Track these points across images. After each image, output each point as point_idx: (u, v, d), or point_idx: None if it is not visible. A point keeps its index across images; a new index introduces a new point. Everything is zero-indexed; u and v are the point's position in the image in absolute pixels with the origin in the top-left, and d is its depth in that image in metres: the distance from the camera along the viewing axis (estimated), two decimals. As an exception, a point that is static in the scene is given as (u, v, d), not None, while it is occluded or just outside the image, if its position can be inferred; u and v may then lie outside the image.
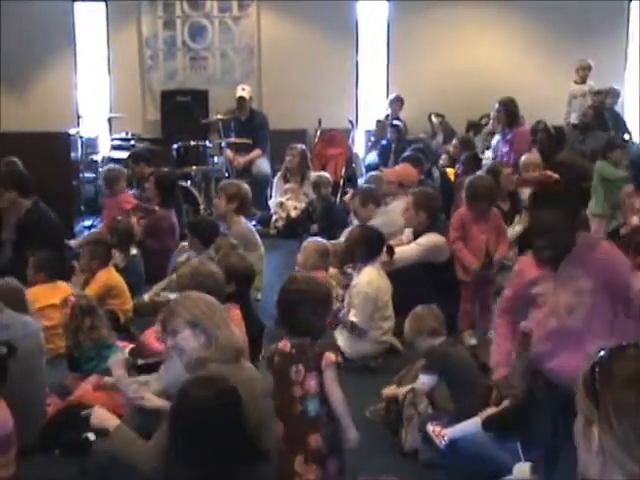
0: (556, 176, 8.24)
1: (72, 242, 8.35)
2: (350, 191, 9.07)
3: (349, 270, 6.68)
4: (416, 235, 6.86)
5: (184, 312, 3.70)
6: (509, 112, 9.27)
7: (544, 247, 3.93)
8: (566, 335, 3.87)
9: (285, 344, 3.78)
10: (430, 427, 4.35)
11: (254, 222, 9.29)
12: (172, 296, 6.18)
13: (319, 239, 6.98)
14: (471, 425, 4.23)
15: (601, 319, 3.85)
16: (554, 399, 3.83)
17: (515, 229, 7.44)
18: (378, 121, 11.97)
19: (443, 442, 4.23)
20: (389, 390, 4.94)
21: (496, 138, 9.71)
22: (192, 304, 3.75)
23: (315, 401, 3.70)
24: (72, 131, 10.32)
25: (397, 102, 11.89)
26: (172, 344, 3.73)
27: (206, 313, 3.70)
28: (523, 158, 8.39)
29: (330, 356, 3.74)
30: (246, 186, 7.70)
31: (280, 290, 4.03)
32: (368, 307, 5.90)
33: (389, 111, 11.95)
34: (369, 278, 5.96)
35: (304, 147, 10.77)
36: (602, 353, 1.92)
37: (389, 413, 4.86)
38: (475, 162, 9.12)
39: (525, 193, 7.93)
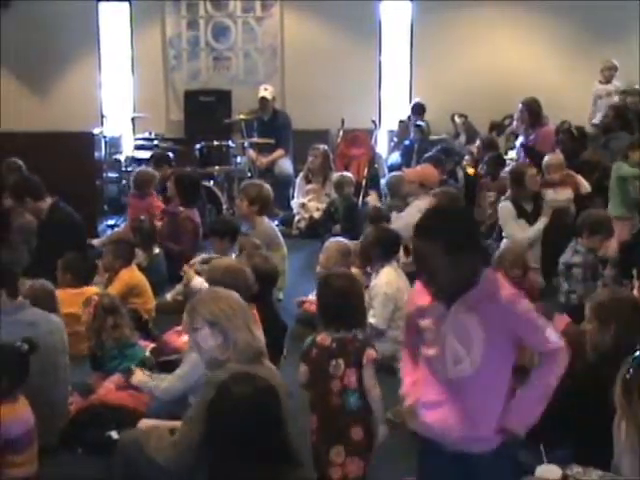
0: (578, 177, 8.19)
1: (95, 241, 8.40)
2: (372, 193, 9.03)
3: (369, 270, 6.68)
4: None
5: (204, 310, 3.70)
6: (532, 112, 9.23)
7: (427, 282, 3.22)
8: (450, 387, 3.19)
9: (324, 338, 3.88)
10: None
11: (276, 222, 9.29)
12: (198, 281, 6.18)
13: (341, 239, 6.97)
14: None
15: (494, 376, 3.16)
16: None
17: (539, 225, 7.41)
18: (400, 121, 11.94)
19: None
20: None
21: (520, 139, 9.66)
22: (214, 303, 3.75)
23: (355, 395, 3.80)
24: (96, 131, 10.36)
25: (419, 109, 11.84)
26: (192, 340, 3.81)
27: (227, 314, 3.70)
28: (546, 159, 8.34)
29: (371, 352, 3.86)
30: (267, 187, 7.69)
31: (321, 284, 4.13)
32: (388, 307, 5.89)
33: (410, 112, 11.94)
34: (387, 279, 5.96)
35: (326, 147, 10.75)
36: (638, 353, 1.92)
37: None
38: (499, 162, 9.09)
39: (549, 194, 7.90)
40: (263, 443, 3.00)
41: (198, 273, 6.03)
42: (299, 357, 4.01)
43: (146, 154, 10.86)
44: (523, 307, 3.12)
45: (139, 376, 4.69)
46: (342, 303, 3.93)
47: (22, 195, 7.20)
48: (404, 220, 7.28)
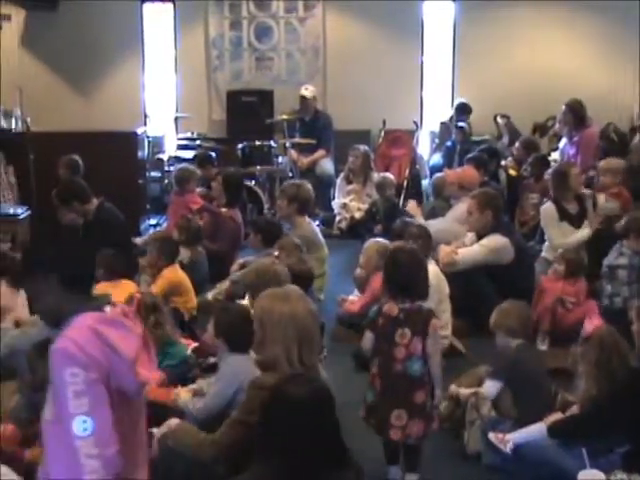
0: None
1: (138, 240, 8.45)
2: (412, 201, 8.97)
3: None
4: (479, 237, 6.81)
5: (257, 307, 3.75)
6: (576, 114, 9.15)
7: None
8: None
9: (391, 308, 4.14)
10: (492, 435, 4.32)
11: (317, 222, 9.30)
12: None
13: (380, 240, 6.95)
14: (536, 430, 4.19)
15: None
16: None
17: (583, 232, 7.33)
18: (442, 123, 11.90)
19: (508, 448, 4.19)
20: (454, 389, 4.88)
21: (563, 141, 9.58)
22: (267, 305, 3.73)
23: (420, 362, 4.07)
24: (139, 130, 10.43)
25: (464, 109, 11.78)
26: None
27: (271, 321, 3.66)
28: (602, 163, 8.15)
29: (436, 322, 4.21)
30: (307, 186, 7.67)
31: (388, 258, 4.39)
32: (433, 298, 5.85)
33: (454, 113, 11.89)
34: (434, 271, 5.91)
35: (367, 148, 10.74)
36: None
37: (452, 415, 4.82)
38: (543, 163, 9.02)
39: (601, 199, 7.76)
40: (320, 444, 2.99)
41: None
42: (365, 325, 4.28)
43: (188, 154, 10.93)
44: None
45: (182, 395, 4.74)
46: (407, 276, 4.20)
47: (68, 199, 7.29)
48: (436, 226, 7.24)
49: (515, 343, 4.68)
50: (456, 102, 12.04)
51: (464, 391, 4.77)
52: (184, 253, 7.39)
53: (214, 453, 3.66)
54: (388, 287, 4.28)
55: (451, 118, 11.78)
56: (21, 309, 5.40)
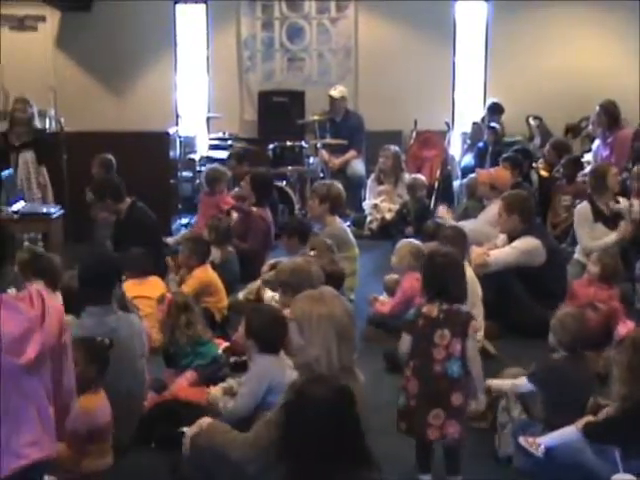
0: None
1: (169, 239, 8.50)
2: (443, 206, 8.94)
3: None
4: (511, 239, 6.78)
5: (296, 308, 3.70)
6: (610, 115, 9.09)
7: None
8: None
9: (431, 309, 4.17)
10: (522, 439, 4.30)
11: (348, 223, 9.30)
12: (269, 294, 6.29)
13: (413, 240, 6.94)
14: (568, 433, 4.16)
15: None
16: None
17: (611, 237, 7.26)
18: (474, 123, 11.85)
19: (539, 451, 4.17)
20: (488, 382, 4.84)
21: (596, 142, 9.52)
22: (308, 306, 3.70)
23: (458, 363, 4.09)
24: (171, 130, 10.49)
25: (496, 109, 11.73)
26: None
27: (310, 323, 3.62)
28: (636, 168, 8.06)
29: (475, 324, 4.28)
30: (338, 186, 7.66)
31: (426, 261, 4.47)
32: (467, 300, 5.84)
33: (486, 113, 11.84)
34: (468, 274, 5.89)
35: (397, 149, 10.73)
36: None
37: (485, 415, 4.79)
38: (576, 165, 8.97)
39: (635, 204, 7.68)
40: (339, 444, 2.99)
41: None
42: (402, 327, 4.28)
43: (220, 154, 10.96)
44: None
45: (213, 392, 4.79)
46: (445, 279, 4.23)
47: (102, 195, 7.36)
48: (468, 227, 7.21)
49: (561, 353, 4.64)
50: (488, 102, 12.00)
51: (497, 382, 4.73)
52: (215, 253, 7.41)
53: (247, 452, 3.66)
54: (426, 289, 4.32)
55: (483, 118, 11.74)
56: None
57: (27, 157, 9.06)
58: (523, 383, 4.58)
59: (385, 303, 6.64)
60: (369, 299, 6.79)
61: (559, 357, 4.62)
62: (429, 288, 4.29)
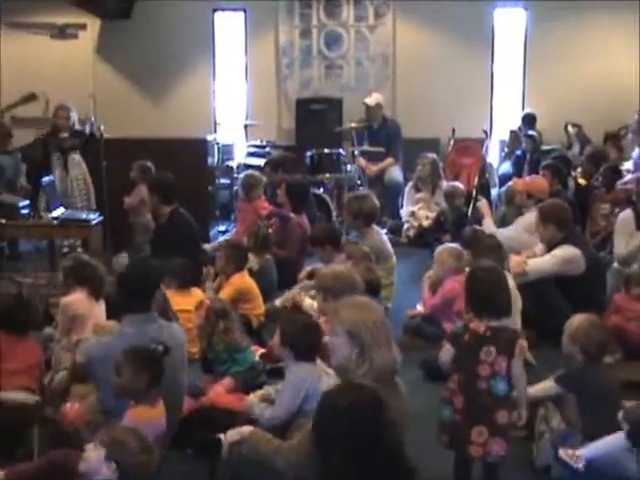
0: None
1: (207, 246, 8.53)
2: (482, 199, 8.88)
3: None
4: (550, 248, 6.74)
5: (346, 319, 3.68)
6: (650, 123, 9.00)
7: None
8: None
9: (478, 325, 4.11)
10: (562, 452, 4.26)
11: (385, 230, 9.29)
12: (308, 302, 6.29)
13: (450, 244, 6.91)
14: (608, 444, 4.12)
15: None
16: None
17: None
18: (511, 131, 11.80)
19: (579, 464, 4.13)
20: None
21: (637, 150, 9.43)
22: (358, 313, 3.70)
23: (504, 381, 4.04)
24: (209, 137, 10.54)
25: (530, 120, 11.68)
26: (329, 340, 3.83)
27: (369, 327, 3.63)
28: None
29: (523, 343, 4.24)
30: (371, 198, 7.55)
31: (470, 277, 4.41)
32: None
33: (521, 123, 11.80)
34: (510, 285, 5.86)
35: (435, 156, 10.71)
36: None
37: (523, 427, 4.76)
38: (614, 174, 8.89)
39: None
40: (368, 452, 2.99)
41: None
42: (448, 339, 4.26)
43: (258, 161, 10.99)
44: None
45: (249, 399, 4.77)
46: (488, 294, 4.19)
47: (153, 188, 7.44)
48: (505, 235, 7.16)
49: (582, 357, 4.61)
50: (523, 112, 11.95)
51: (531, 390, 4.71)
52: (253, 260, 7.43)
53: (292, 460, 3.67)
54: (471, 305, 4.28)
55: (520, 127, 11.69)
56: (99, 318, 5.47)
57: (76, 159, 9.20)
58: (550, 386, 4.57)
59: (425, 302, 6.64)
60: (407, 316, 6.77)
61: (580, 360, 4.59)
62: (474, 304, 4.24)
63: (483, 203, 8.49)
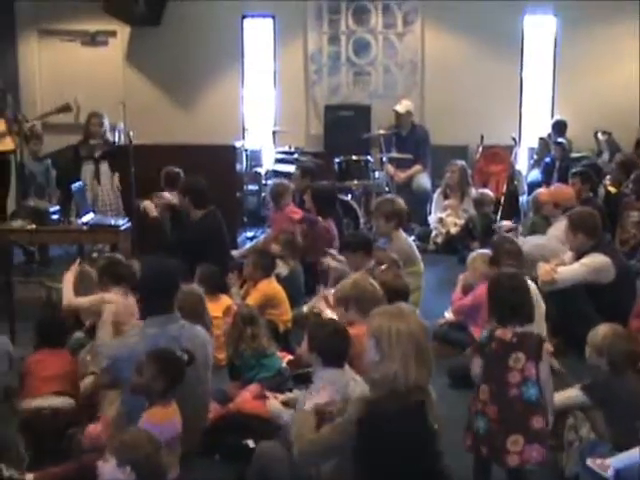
0: None
1: (235, 252, 8.55)
2: (506, 223, 8.83)
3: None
4: (579, 256, 6.70)
5: (374, 322, 3.66)
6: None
7: None
8: None
9: (504, 332, 4.12)
10: (590, 461, 4.23)
11: (413, 237, 9.28)
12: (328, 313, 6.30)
13: (483, 250, 6.89)
14: (636, 454, 4.09)
15: None
16: None
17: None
18: (540, 139, 11.75)
19: (609, 473, 4.10)
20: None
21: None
22: (387, 319, 3.65)
23: (536, 387, 4.05)
24: (237, 144, 10.57)
25: (560, 127, 11.62)
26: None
27: (390, 337, 3.58)
28: None
29: (548, 346, 4.30)
30: (400, 201, 7.61)
31: (494, 284, 4.41)
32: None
33: (551, 131, 11.75)
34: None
35: (464, 163, 10.70)
36: None
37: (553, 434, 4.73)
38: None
39: None
40: (412, 461, 2.96)
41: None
42: (473, 350, 4.31)
43: (286, 167, 11.01)
44: None
45: (274, 405, 4.74)
46: (514, 301, 4.21)
47: (185, 191, 7.52)
48: (534, 242, 7.13)
49: (608, 368, 4.57)
50: (553, 119, 11.89)
51: (557, 397, 4.69)
52: (282, 267, 7.45)
53: (307, 450, 3.68)
54: (495, 312, 4.28)
55: (549, 135, 11.64)
56: (129, 317, 5.48)
57: (106, 167, 9.29)
58: (576, 394, 4.55)
59: (452, 321, 6.63)
60: (438, 325, 6.75)
61: (605, 370, 4.56)
62: (499, 311, 4.24)
63: (505, 225, 8.47)
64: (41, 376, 4.91)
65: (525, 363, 4.04)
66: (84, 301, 5.66)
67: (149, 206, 7.87)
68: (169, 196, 8.10)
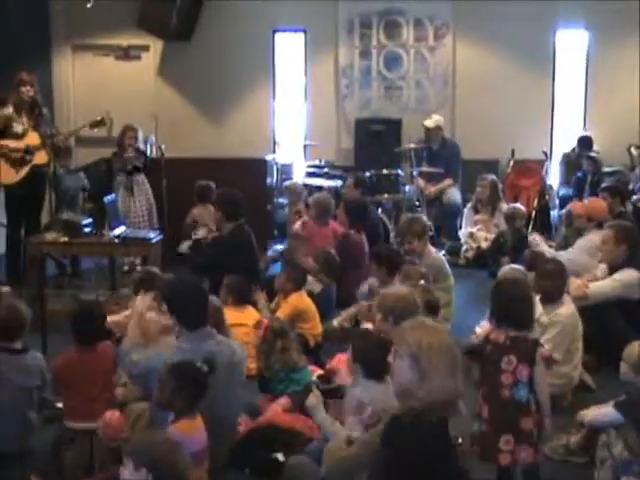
0: None
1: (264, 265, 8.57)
2: (536, 235, 8.76)
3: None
4: (612, 270, 6.65)
5: (411, 341, 3.56)
6: None
7: None
8: None
9: (498, 335, 4.25)
10: None
11: (443, 252, 9.25)
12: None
13: (515, 266, 6.84)
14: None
15: None
16: None
17: None
18: (565, 154, 11.64)
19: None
20: (581, 415, 4.75)
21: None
22: (424, 338, 3.62)
23: (526, 389, 4.14)
24: (268, 157, 10.60)
25: (587, 142, 11.56)
26: (391, 362, 3.72)
27: (430, 355, 3.53)
28: None
29: (544, 351, 4.39)
30: (422, 217, 7.72)
31: (495, 288, 4.55)
32: (566, 339, 5.72)
33: (576, 146, 11.68)
34: (572, 310, 5.78)
35: (494, 177, 10.65)
36: None
37: (587, 450, 4.69)
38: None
39: None
40: (436, 474, 2.95)
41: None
42: (466, 355, 4.37)
43: (316, 181, 11.02)
44: None
45: (313, 400, 4.66)
46: (513, 306, 4.30)
47: (220, 206, 7.52)
48: (565, 257, 7.08)
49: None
50: (579, 135, 11.79)
51: (588, 412, 4.65)
52: (315, 283, 7.45)
53: (334, 467, 3.67)
54: (494, 315, 4.42)
55: (573, 149, 11.58)
56: (162, 328, 5.48)
57: (140, 180, 9.37)
58: (609, 411, 4.50)
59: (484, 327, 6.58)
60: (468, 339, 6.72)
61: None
62: (497, 315, 4.38)
63: (535, 238, 8.42)
64: (78, 378, 4.87)
65: (517, 365, 4.15)
66: (121, 319, 5.69)
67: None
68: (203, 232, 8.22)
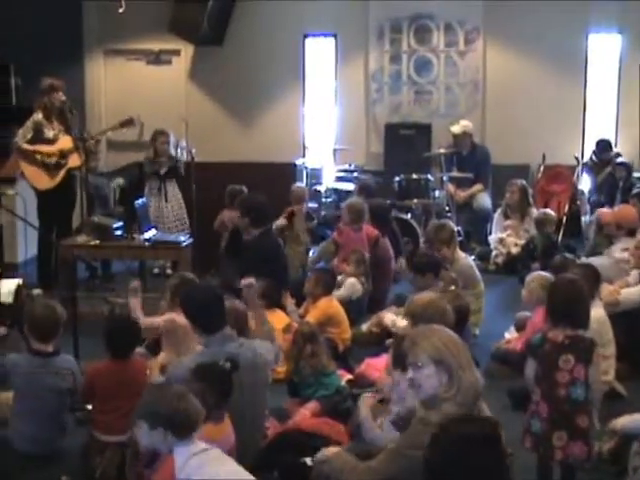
0: None
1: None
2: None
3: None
4: (645, 277, 6.62)
5: (429, 347, 3.55)
6: None
7: None
8: None
9: (557, 334, 4.33)
10: None
11: (473, 257, 9.22)
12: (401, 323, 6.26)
13: (543, 273, 6.80)
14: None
15: None
16: None
17: None
18: (583, 164, 11.50)
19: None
20: (613, 424, 4.71)
21: None
22: (438, 339, 3.61)
23: (583, 387, 4.22)
24: (298, 162, 10.60)
25: (605, 146, 11.46)
26: (412, 376, 3.60)
27: (452, 351, 3.53)
28: None
29: (600, 351, 4.42)
30: (450, 223, 7.70)
31: (551, 288, 4.73)
32: None
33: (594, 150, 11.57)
34: (600, 315, 5.74)
35: (524, 182, 10.59)
36: None
37: (618, 458, 4.66)
38: None
39: None
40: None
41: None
42: (528, 351, 4.51)
43: (346, 186, 11.01)
44: None
45: (369, 402, 4.70)
46: (570, 305, 4.42)
47: (246, 212, 7.53)
48: (596, 264, 7.04)
49: None
50: (597, 139, 11.66)
51: (620, 420, 4.62)
52: (357, 287, 7.45)
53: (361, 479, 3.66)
54: (551, 315, 4.49)
55: (591, 157, 11.41)
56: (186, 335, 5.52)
57: (172, 185, 9.44)
58: (636, 419, 4.49)
59: (514, 341, 6.54)
60: (497, 347, 6.68)
61: None
62: (554, 314, 4.45)
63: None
64: (111, 392, 4.87)
65: (574, 365, 4.23)
66: (156, 321, 5.72)
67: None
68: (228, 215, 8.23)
